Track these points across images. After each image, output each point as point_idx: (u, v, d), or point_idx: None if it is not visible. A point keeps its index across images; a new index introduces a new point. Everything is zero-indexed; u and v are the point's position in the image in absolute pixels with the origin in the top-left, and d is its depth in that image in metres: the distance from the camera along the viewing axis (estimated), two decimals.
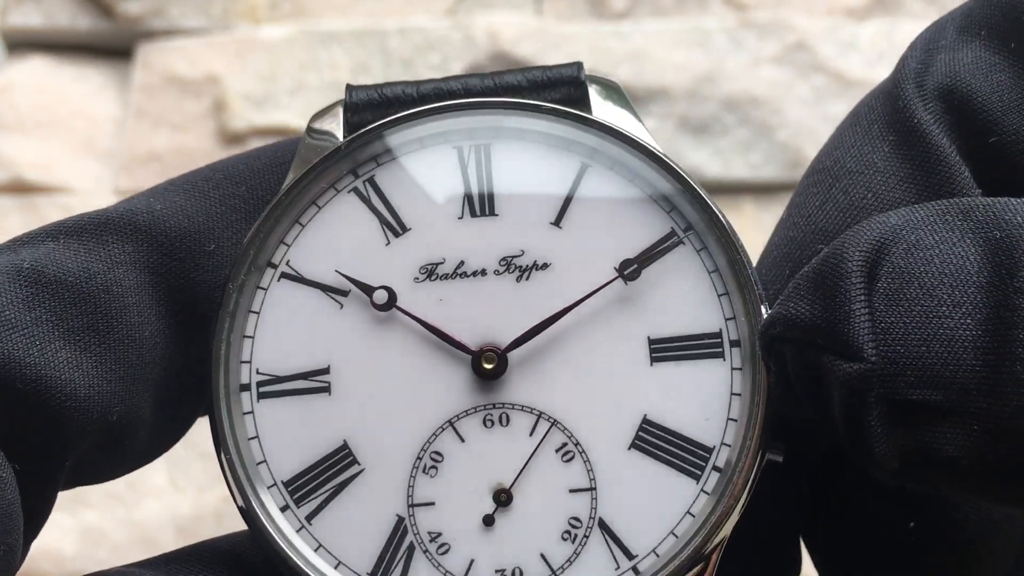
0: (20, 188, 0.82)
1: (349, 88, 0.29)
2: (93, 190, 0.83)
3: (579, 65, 0.28)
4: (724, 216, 0.27)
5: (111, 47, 0.88)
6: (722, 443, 0.26)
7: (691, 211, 0.27)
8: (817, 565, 0.31)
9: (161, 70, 0.85)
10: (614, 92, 0.29)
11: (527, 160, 0.28)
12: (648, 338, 0.27)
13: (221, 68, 0.84)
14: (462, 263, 0.27)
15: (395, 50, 0.84)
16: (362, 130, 0.28)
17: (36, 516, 0.26)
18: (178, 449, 0.29)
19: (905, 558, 0.28)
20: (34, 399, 0.24)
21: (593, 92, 0.28)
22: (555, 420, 0.26)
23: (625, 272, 0.27)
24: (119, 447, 0.26)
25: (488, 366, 0.26)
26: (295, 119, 0.82)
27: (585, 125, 0.28)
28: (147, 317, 0.26)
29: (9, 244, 0.26)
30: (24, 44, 0.89)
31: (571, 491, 0.26)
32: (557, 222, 0.27)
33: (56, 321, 0.25)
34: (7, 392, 0.23)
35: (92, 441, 0.25)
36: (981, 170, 0.25)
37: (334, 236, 0.28)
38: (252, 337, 0.27)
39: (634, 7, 0.86)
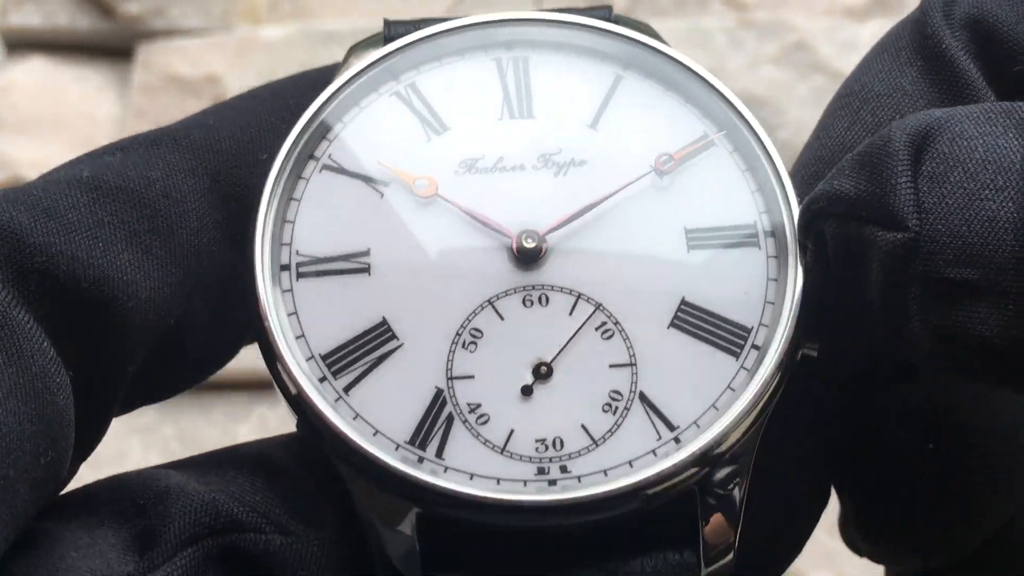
0: None
1: (387, 23, 0.30)
2: None
3: (610, 8, 0.30)
4: (755, 120, 0.28)
5: (111, 47, 0.88)
6: (760, 323, 0.26)
7: (723, 116, 0.28)
8: (845, 504, 0.32)
9: (161, 70, 0.85)
10: (645, 29, 0.30)
11: (564, 69, 0.29)
12: (685, 228, 0.27)
13: (221, 68, 0.84)
14: (501, 159, 0.28)
15: None
16: (405, 38, 0.29)
17: (90, 432, 0.26)
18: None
19: (929, 489, 0.29)
20: (98, 298, 0.23)
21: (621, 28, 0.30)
22: (594, 300, 0.27)
23: (661, 166, 0.28)
24: (177, 355, 0.26)
25: (529, 245, 0.27)
26: None
27: (620, 38, 0.29)
28: (205, 223, 0.26)
29: (68, 163, 0.27)
30: (24, 44, 0.89)
31: (611, 366, 0.26)
32: (593, 124, 0.28)
33: (118, 224, 0.25)
34: (71, 291, 0.23)
35: (151, 348, 0.25)
36: (1005, 98, 0.26)
37: (375, 133, 0.28)
38: (292, 222, 0.28)
39: (634, 7, 0.86)
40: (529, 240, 0.27)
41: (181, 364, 0.27)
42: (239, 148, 0.27)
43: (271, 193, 0.27)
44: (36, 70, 0.88)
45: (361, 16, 0.87)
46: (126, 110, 0.85)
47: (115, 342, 0.24)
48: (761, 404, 0.25)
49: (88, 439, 0.26)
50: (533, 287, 0.27)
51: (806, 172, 0.28)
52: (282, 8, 0.88)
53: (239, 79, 0.84)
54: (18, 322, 0.23)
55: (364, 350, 0.26)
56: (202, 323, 0.27)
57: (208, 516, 0.24)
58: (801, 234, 0.26)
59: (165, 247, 0.25)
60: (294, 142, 0.28)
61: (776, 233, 0.27)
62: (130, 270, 0.24)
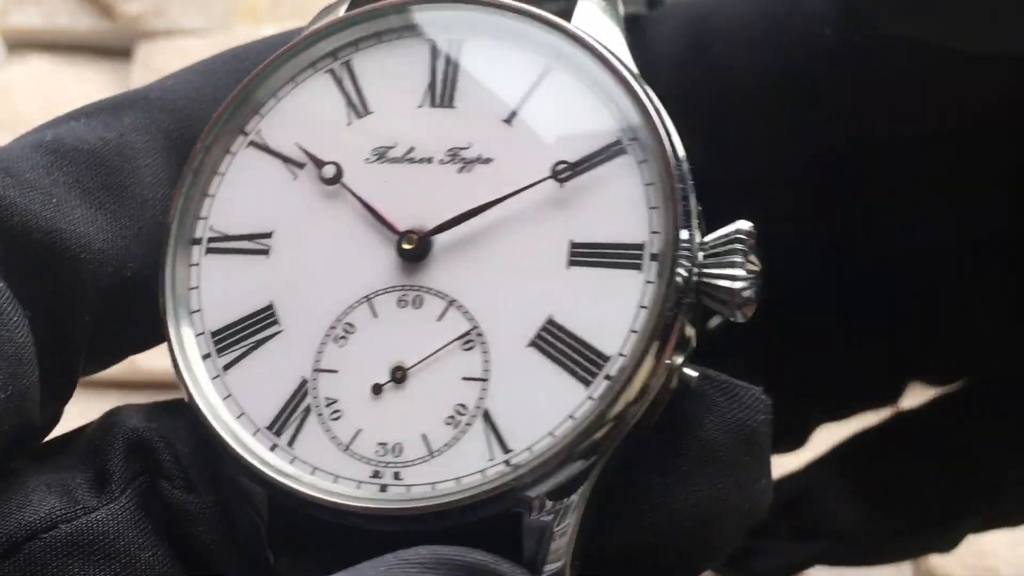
0: None
1: None
2: None
3: None
4: (669, 130, 0.27)
5: (111, 47, 0.88)
6: (619, 353, 0.25)
7: (639, 122, 0.27)
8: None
9: (161, 70, 0.85)
10: (610, 6, 0.29)
11: (495, 58, 0.28)
12: (571, 241, 0.26)
13: None
14: (412, 149, 0.28)
15: None
16: (344, 14, 0.29)
17: (59, 378, 0.27)
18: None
19: None
20: (50, 248, 0.25)
21: (585, 5, 0.29)
22: (464, 309, 0.26)
23: (558, 174, 0.27)
24: (135, 309, 0.27)
25: (407, 246, 0.27)
26: None
27: (552, 28, 0.28)
28: (160, 179, 0.28)
29: (36, 128, 0.30)
30: (24, 44, 0.89)
31: (464, 379, 0.26)
32: (508, 120, 0.28)
33: (72, 184, 0.26)
34: (24, 243, 0.25)
35: (109, 300, 0.26)
36: None
37: (303, 111, 0.29)
38: (212, 196, 0.28)
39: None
40: (409, 242, 0.27)
41: (143, 317, 0.28)
42: (194, 108, 0.28)
43: (197, 165, 0.28)
44: (36, 70, 0.88)
45: None
46: None
47: (70, 290, 0.25)
48: (596, 435, 0.25)
49: (60, 386, 0.27)
50: (411, 287, 0.27)
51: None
52: (282, 8, 0.88)
53: None
54: None
55: (247, 332, 0.27)
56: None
57: (140, 457, 0.26)
58: None
59: (118, 202, 0.26)
60: (226, 115, 0.28)
61: (661, 257, 0.26)
62: (82, 224, 0.25)
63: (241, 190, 0.28)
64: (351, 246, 0.27)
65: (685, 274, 0.25)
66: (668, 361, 0.25)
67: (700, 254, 0.25)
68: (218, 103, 0.28)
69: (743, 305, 0.25)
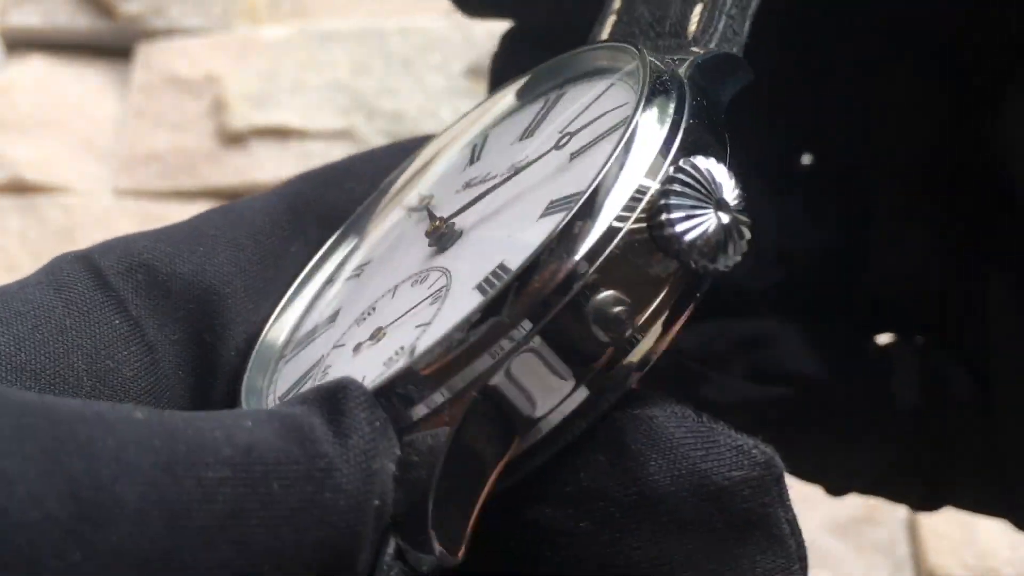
0: (19, 188, 0.82)
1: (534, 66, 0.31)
2: (92, 190, 0.83)
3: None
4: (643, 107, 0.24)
5: (111, 47, 0.88)
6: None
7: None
8: None
9: (161, 70, 0.85)
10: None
11: (581, 92, 0.29)
12: (549, 200, 0.25)
13: (221, 68, 0.84)
14: (488, 174, 0.29)
15: (395, 50, 0.84)
16: (481, 108, 0.31)
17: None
18: None
19: None
20: (194, 286, 0.26)
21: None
22: (448, 273, 0.26)
23: (559, 144, 0.26)
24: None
25: (429, 231, 0.28)
26: (295, 119, 0.82)
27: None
28: (287, 236, 0.29)
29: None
30: (23, 44, 0.89)
31: (416, 326, 0.25)
32: (562, 132, 0.28)
33: (218, 235, 0.28)
34: (171, 285, 0.26)
35: (251, 338, 0.28)
36: None
37: (443, 174, 0.31)
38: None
39: None
40: (433, 228, 0.27)
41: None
42: (329, 176, 0.30)
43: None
44: (36, 70, 0.88)
45: (360, 16, 0.87)
46: (126, 110, 0.85)
47: (216, 325, 0.26)
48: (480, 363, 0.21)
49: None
50: (427, 269, 0.27)
51: None
52: (282, 8, 0.88)
53: (239, 79, 0.84)
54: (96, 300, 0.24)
55: (312, 336, 0.29)
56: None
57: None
58: None
59: (257, 247, 0.28)
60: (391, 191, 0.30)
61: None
62: (225, 265, 0.27)
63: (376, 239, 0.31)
64: (408, 249, 0.29)
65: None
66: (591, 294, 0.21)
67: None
68: (355, 173, 0.31)
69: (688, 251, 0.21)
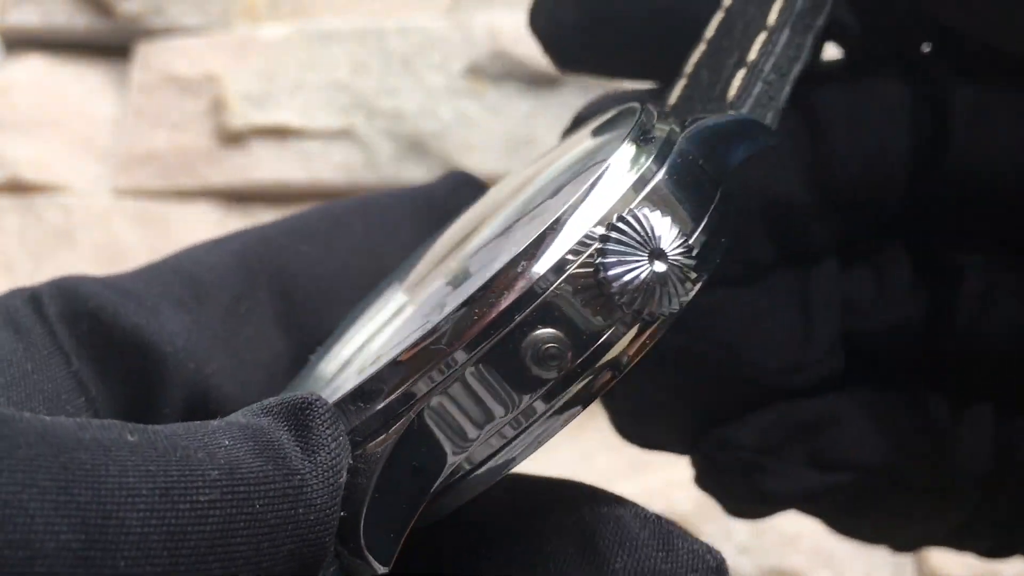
0: (18, 188, 0.82)
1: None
2: (91, 190, 0.82)
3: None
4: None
5: (110, 46, 0.88)
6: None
7: None
8: None
9: (160, 69, 0.85)
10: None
11: None
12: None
13: (220, 67, 0.84)
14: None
15: (395, 49, 0.84)
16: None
17: None
18: None
19: None
20: (136, 341, 0.26)
21: None
22: (443, 305, 0.27)
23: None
24: (210, 410, 0.28)
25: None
26: (295, 118, 0.82)
27: None
28: (241, 297, 0.29)
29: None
30: (22, 43, 0.89)
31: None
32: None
33: (165, 293, 0.28)
34: (112, 336, 0.26)
35: (189, 397, 0.27)
36: None
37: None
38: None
39: None
40: None
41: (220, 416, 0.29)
42: (284, 236, 0.29)
43: None
44: (34, 69, 0.87)
45: (360, 15, 0.87)
46: (125, 109, 0.85)
47: (153, 382, 0.26)
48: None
49: None
50: (438, 304, 0.28)
51: None
52: (281, 7, 0.88)
53: (238, 78, 0.84)
54: (42, 343, 0.25)
55: None
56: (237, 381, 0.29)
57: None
58: None
59: (202, 308, 0.27)
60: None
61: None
62: (169, 323, 0.26)
63: None
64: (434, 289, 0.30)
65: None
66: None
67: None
68: (317, 241, 0.30)
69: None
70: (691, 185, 0.24)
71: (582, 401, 0.22)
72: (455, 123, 0.81)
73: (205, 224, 0.80)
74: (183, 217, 0.80)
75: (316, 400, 0.21)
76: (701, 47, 0.29)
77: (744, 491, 0.31)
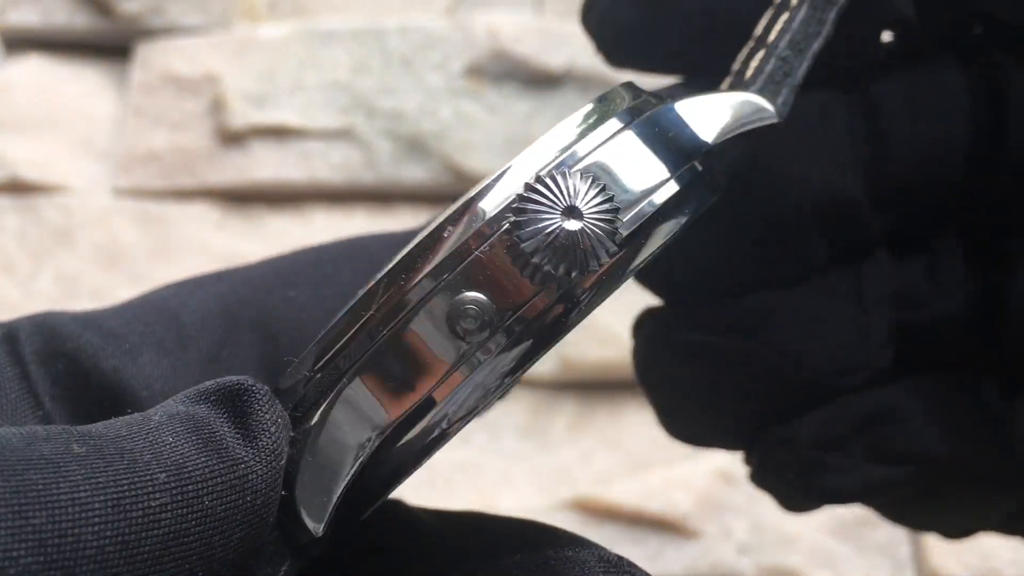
0: (18, 187, 0.82)
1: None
2: (91, 189, 0.82)
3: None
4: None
5: (109, 46, 0.88)
6: None
7: None
8: None
9: (160, 69, 0.85)
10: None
11: None
12: None
13: (220, 67, 0.84)
14: None
15: (395, 49, 0.84)
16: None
17: None
18: None
19: None
20: (113, 384, 0.26)
21: None
22: None
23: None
24: None
25: None
26: (295, 118, 0.82)
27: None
28: (225, 342, 0.29)
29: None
30: (22, 43, 0.89)
31: None
32: None
33: (148, 334, 0.28)
34: (90, 378, 0.26)
35: None
36: None
37: None
38: None
39: None
40: None
41: None
42: (270, 280, 0.29)
43: None
44: (34, 69, 0.87)
45: (360, 15, 0.87)
46: (125, 109, 0.85)
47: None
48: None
49: None
50: None
51: None
52: (281, 7, 0.88)
53: (238, 78, 0.84)
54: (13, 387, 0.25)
55: None
56: None
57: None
58: None
59: (184, 351, 0.27)
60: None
61: None
62: (148, 366, 0.26)
63: None
64: None
65: None
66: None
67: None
68: (296, 280, 0.29)
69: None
70: (643, 153, 0.23)
71: (515, 369, 0.22)
72: (455, 123, 0.81)
73: (205, 224, 0.80)
74: (183, 217, 0.80)
75: (253, 385, 0.21)
76: (750, 44, 0.29)
77: (806, 488, 0.31)
